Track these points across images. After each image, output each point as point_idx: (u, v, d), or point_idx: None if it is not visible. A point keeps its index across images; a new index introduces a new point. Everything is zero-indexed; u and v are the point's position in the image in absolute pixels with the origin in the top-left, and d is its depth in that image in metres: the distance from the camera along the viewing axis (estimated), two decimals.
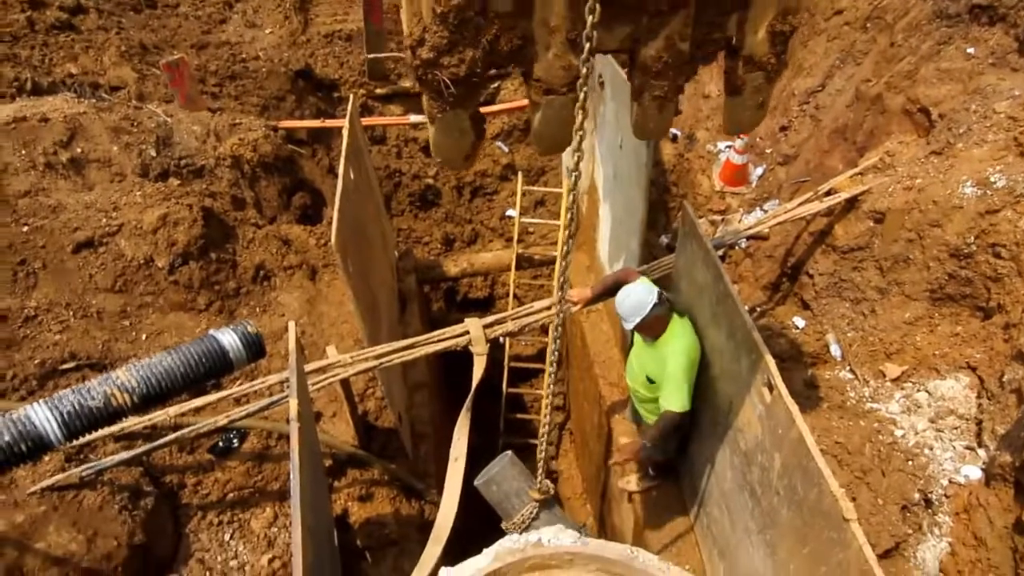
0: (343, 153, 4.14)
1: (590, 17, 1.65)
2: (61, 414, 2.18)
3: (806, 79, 5.75)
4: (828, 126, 5.39)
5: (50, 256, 4.05)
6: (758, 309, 5.08)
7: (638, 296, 3.35)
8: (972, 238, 3.80)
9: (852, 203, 4.48)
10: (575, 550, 1.46)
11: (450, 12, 1.85)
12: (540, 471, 2.83)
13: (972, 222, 3.82)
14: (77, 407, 2.20)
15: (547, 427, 2.53)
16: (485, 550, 1.61)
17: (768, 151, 6.02)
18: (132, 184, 4.58)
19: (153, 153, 4.92)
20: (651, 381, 3.62)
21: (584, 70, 1.79)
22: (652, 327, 3.44)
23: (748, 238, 5.48)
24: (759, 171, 5.94)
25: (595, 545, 1.51)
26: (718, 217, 5.79)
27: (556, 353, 2.26)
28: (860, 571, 2.23)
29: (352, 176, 4.23)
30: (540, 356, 7.06)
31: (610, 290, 3.71)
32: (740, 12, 2.13)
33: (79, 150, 4.66)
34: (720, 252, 5.59)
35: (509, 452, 3.36)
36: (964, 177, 3.93)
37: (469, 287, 7.83)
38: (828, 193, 4.53)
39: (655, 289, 3.40)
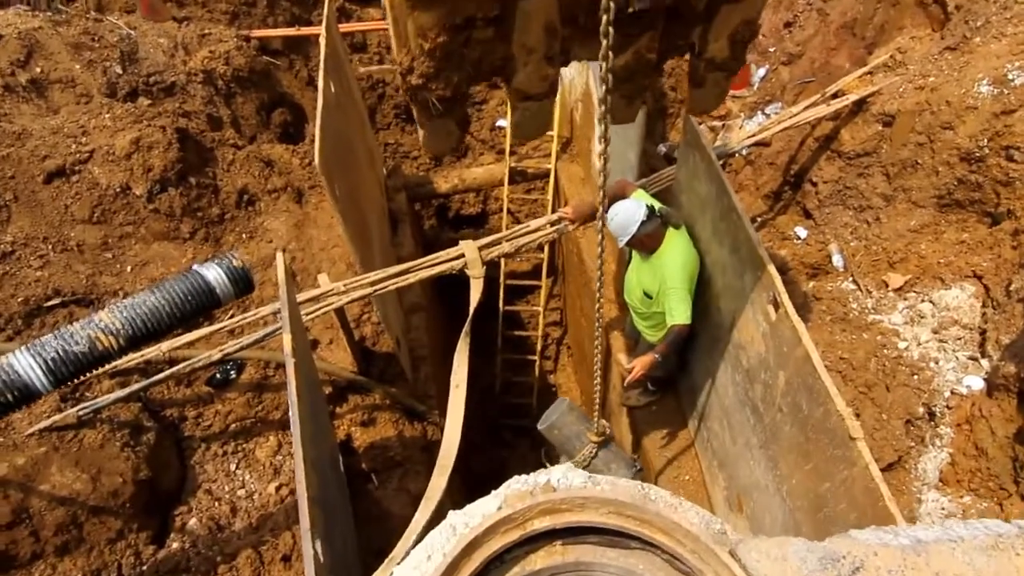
0: (321, 64, 3.86)
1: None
2: (45, 361, 2.09)
3: None
4: (836, 21, 5.07)
5: (20, 187, 3.84)
6: (759, 219, 4.96)
7: (626, 212, 3.26)
8: (985, 140, 3.65)
9: (860, 105, 4.28)
10: (587, 493, 1.41)
11: (436, 48, 2.04)
12: (596, 415, 3.06)
13: (986, 123, 3.65)
14: (61, 353, 2.12)
15: (599, 371, 2.58)
16: (494, 492, 1.57)
17: (771, 50, 5.71)
18: (99, 106, 4.30)
19: (119, 71, 4.61)
20: (648, 296, 3.57)
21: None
22: (645, 243, 3.36)
23: (749, 144, 5.28)
24: (761, 72, 5.65)
25: (607, 486, 1.46)
26: (718, 123, 5.55)
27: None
28: (865, 488, 2.24)
29: (333, 89, 3.97)
30: (535, 272, 6.99)
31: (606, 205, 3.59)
32: (704, 24, 2.29)
33: (38, 70, 4.35)
34: (721, 162, 5.40)
35: (566, 400, 3.66)
36: (980, 75, 3.72)
37: (461, 204, 7.63)
38: (835, 96, 4.31)
39: (644, 204, 3.31)
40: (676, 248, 3.37)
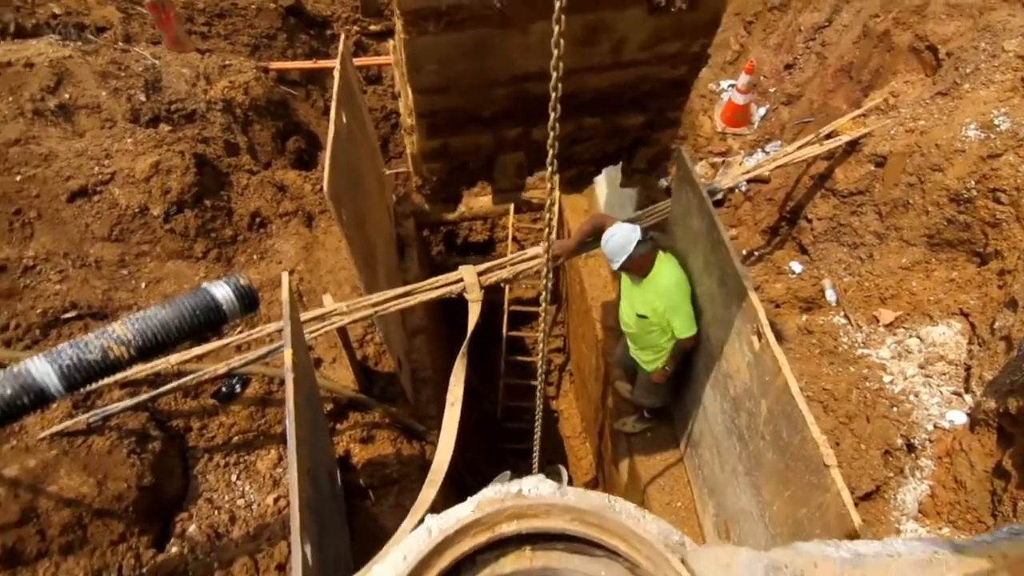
0: (335, 96, 4.06)
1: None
2: (60, 367, 2.23)
3: (813, 14, 5.55)
4: (833, 64, 5.23)
5: (45, 206, 4.05)
6: (756, 253, 5.07)
7: (622, 235, 3.41)
8: (973, 183, 3.75)
9: (853, 146, 4.41)
10: (552, 501, 1.52)
11: (441, 177, 3.66)
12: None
13: (974, 166, 3.76)
14: (75, 360, 2.25)
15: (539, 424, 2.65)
16: (469, 499, 1.67)
17: (772, 90, 5.87)
18: (123, 130, 4.52)
19: (143, 98, 4.84)
20: (642, 317, 3.68)
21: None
22: (639, 264, 3.50)
23: (748, 181, 5.42)
24: (762, 111, 5.81)
25: (573, 496, 1.57)
26: (719, 159, 5.70)
27: (547, 298, 2.31)
28: (837, 514, 2.31)
29: (344, 120, 4.16)
30: (539, 300, 7.10)
31: (589, 236, 3.77)
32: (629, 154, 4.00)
33: (67, 96, 4.59)
34: (719, 196, 5.53)
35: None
36: (968, 119, 3.84)
37: (469, 231, 7.81)
38: (829, 136, 4.45)
39: (637, 227, 3.46)
40: (667, 270, 3.51)
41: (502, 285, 4.94)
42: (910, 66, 4.56)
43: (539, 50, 2.88)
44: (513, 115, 3.46)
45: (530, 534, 1.60)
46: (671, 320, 3.52)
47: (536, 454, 2.95)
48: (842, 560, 1.38)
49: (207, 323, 2.54)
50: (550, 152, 1.75)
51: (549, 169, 1.92)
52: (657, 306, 3.51)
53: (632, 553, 1.49)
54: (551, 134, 1.77)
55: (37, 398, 2.22)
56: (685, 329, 3.51)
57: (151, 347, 2.42)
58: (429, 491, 2.53)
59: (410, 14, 2.70)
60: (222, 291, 2.56)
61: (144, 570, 3.21)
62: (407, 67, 3.03)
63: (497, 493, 1.67)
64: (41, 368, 2.22)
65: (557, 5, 1.39)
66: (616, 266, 3.47)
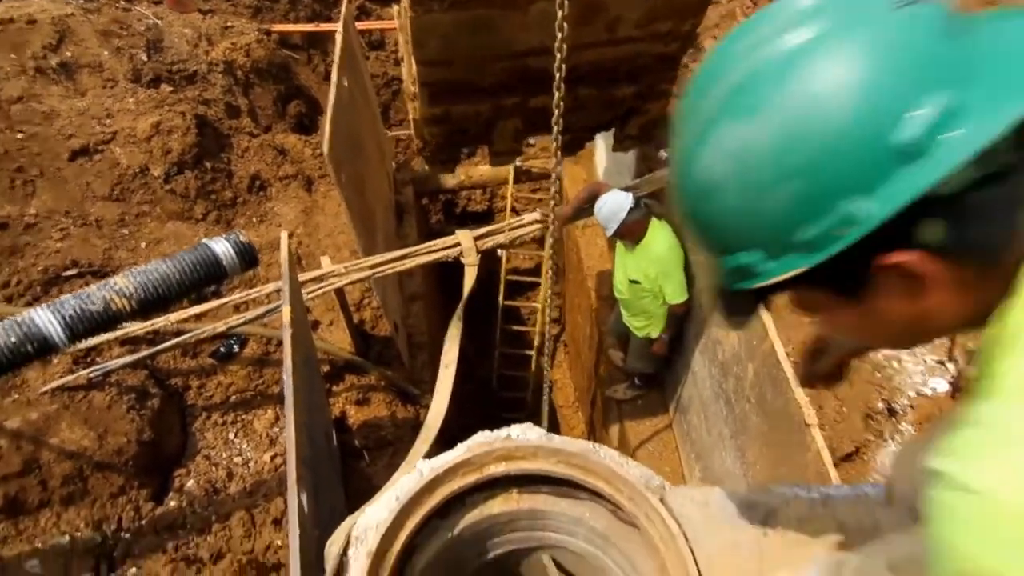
0: (336, 60, 4.06)
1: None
2: (63, 317, 2.28)
3: None
4: None
5: (46, 164, 4.07)
6: None
7: (615, 202, 3.46)
8: None
9: None
10: (539, 443, 1.58)
11: (441, 140, 3.81)
12: None
13: None
14: (78, 311, 2.31)
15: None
16: (459, 444, 1.74)
17: None
18: (124, 90, 4.52)
19: (144, 58, 4.83)
20: (634, 283, 3.74)
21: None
22: (632, 231, 3.55)
23: None
24: None
25: (559, 441, 1.63)
26: None
27: (552, 256, 2.39)
28: (817, 473, 2.39)
29: (346, 84, 4.16)
30: (536, 270, 7.16)
31: (586, 203, 3.82)
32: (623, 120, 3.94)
33: (69, 54, 4.58)
34: None
35: None
36: None
37: (468, 200, 7.82)
38: None
39: (630, 194, 3.51)
40: (660, 236, 3.56)
41: (499, 254, 4.97)
42: None
43: (537, 28, 3.08)
44: (511, 86, 3.66)
45: (517, 476, 1.66)
46: (663, 286, 3.58)
47: (545, 412, 3.07)
48: (812, 500, 1.45)
49: (207, 278, 2.58)
50: (555, 129, 1.87)
51: (554, 144, 2.02)
52: (649, 272, 3.57)
53: (614, 494, 1.56)
54: (556, 112, 1.88)
55: (41, 347, 2.28)
56: (677, 295, 3.57)
57: (152, 300, 2.46)
58: (422, 445, 2.60)
59: None
60: (222, 247, 2.60)
61: (143, 522, 3.30)
62: (412, 42, 3.17)
63: (486, 438, 1.73)
64: (44, 318, 2.27)
65: None
66: (610, 233, 3.53)
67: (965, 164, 0.60)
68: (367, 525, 1.70)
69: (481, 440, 1.72)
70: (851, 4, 0.66)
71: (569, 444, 1.65)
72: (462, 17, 3.00)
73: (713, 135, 0.71)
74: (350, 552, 1.68)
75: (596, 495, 1.65)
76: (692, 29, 3.45)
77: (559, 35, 1.63)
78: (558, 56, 1.66)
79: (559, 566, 1.87)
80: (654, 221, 3.59)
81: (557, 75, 1.72)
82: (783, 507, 1.44)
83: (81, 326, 2.31)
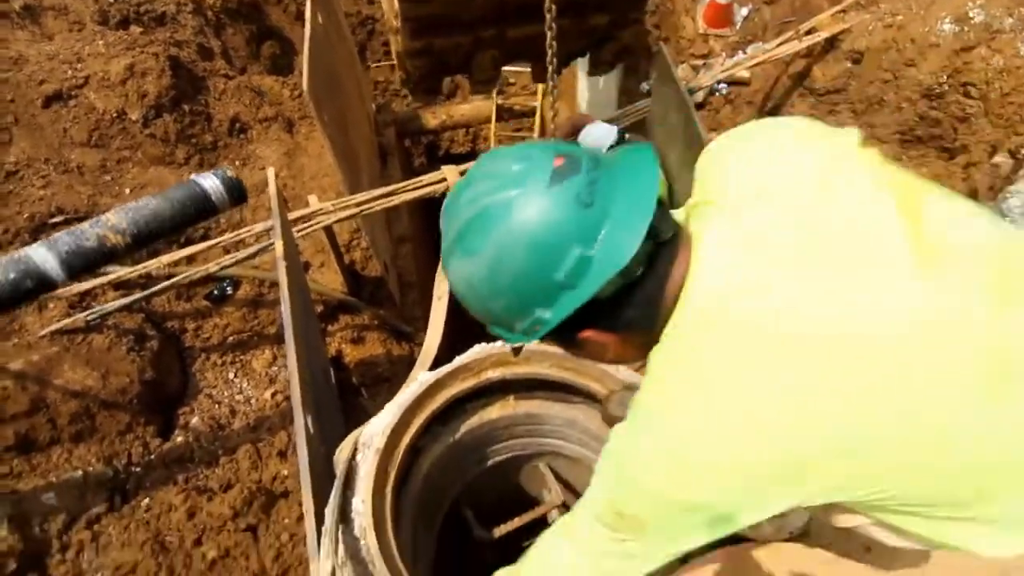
0: None
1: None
2: (59, 253, 2.32)
3: None
4: None
5: (21, 111, 4.00)
6: None
7: (599, 133, 3.47)
8: (945, 77, 3.82)
9: (832, 43, 4.43)
10: (533, 348, 1.67)
11: (423, 72, 3.97)
12: None
13: (947, 60, 3.82)
14: (74, 247, 2.34)
15: None
16: (458, 356, 1.83)
17: None
18: (93, 33, 4.41)
19: None
20: None
21: None
22: None
23: (729, 84, 5.43)
24: (744, 12, 5.74)
25: (552, 348, 1.72)
26: (699, 62, 5.67)
27: None
28: None
29: (320, 21, 4.09)
30: None
31: (569, 135, 3.84)
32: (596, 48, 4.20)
33: None
34: (700, 99, 5.55)
35: None
36: (944, 13, 3.87)
37: (451, 142, 7.77)
38: (808, 32, 4.45)
39: (614, 127, 3.54)
40: None
41: None
42: None
43: None
44: (489, 19, 3.84)
45: (513, 381, 1.76)
46: None
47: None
48: None
49: (197, 213, 2.62)
50: (549, 68, 2.04)
51: (549, 83, 2.11)
52: None
53: (604, 392, 1.66)
54: (549, 52, 1.99)
55: (40, 283, 2.32)
56: None
57: (144, 236, 2.50)
58: (419, 370, 2.70)
59: None
60: (210, 182, 2.62)
61: (152, 457, 3.41)
62: None
63: (483, 348, 1.82)
64: (41, 254, 2.30)
65: None
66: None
67: (607, 283, 0.94)
68: (373, 432, 1.80)
69: (477, 350, 1.81)
70: (530, 176, 0.96)
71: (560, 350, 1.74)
72: None
73: (451, 264, 1.04)
74: (358, 457, 1.78)
75: (589, 397, 1.76)
76: None
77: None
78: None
79: (556, 475, 1.99)
80: None
81: (552, 8, 1.94)
82: None
83: (77, 262, 2.35)
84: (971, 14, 3.75)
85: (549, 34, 1.91)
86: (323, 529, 1.71)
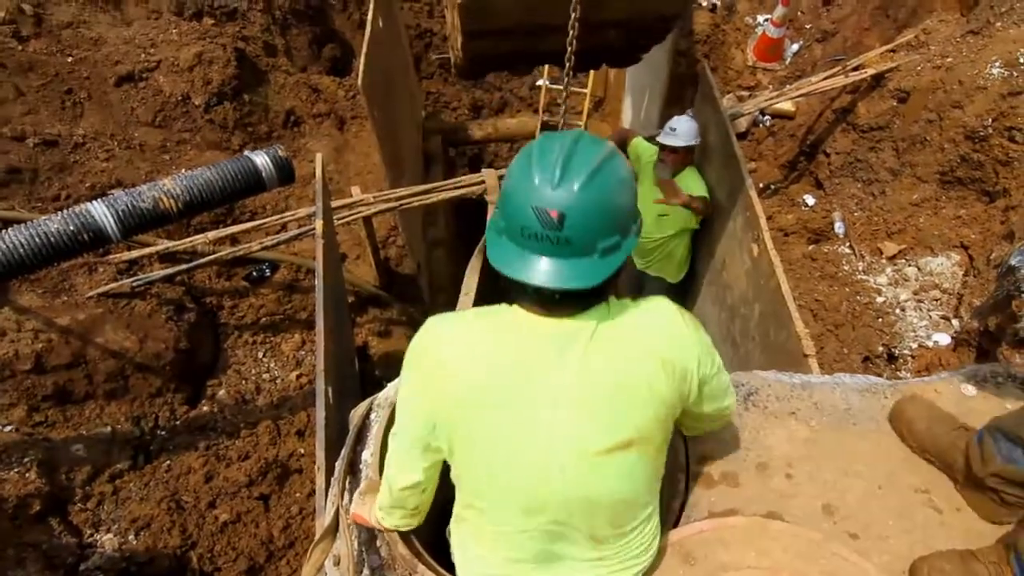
0: (372, 1, 4.18)
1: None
2: (116, 211, 2.47)
3: None
4: (872, 1, 5.19)
5: (94, 87, 4.26)
6: (772, 186, 5.16)
7: (692, 124, 3.66)
8: (990, 120, 3.80)
9: (879, 81, 4.44)
10: None
11: (476, 59, 3.42)
12: None
13: (993, 104, 3.80)
14: (130, 207, 2.50)
15: None
16: None
17: (808, 27, 5.83)
18: (168, 22, 4.69)
19: None
20: (662, 216, 3.86)
21: None
22: (689, 155, 3.79)
23: (773, 116, 5.46)
24: (795, 47, 5.79)
25: None
26: (746, 93, 5.72)
27: None
28: None
29: (381, 25, 4.28)
30: None
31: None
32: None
33: None
34: (744, 128, 5.59)
35: None
36: (994, 57, 3.86)
37: (495, 156, 7.92)
38: (856, 69, 4.47)
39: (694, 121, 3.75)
40: (694, 172, 3.75)
41: None
42: (947, 4, 4.52)
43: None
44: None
45: None
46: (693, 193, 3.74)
47: None
48: (793, 384, 1.59)
49: (246, 187, 2.76)
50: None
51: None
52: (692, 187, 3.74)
53: None
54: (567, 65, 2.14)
55: (96, 237, 2.48)
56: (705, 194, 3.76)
57: (196, 203, 2.65)
58: None
59: None
60: (262, 159, 2.77)
61: (178, 422, 3.54)
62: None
63: None
64: (100, 210, 2.46)
65: None
66: (690, 141, 3.69)
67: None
68: (387, 395, 1.87)
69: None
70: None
71: None
72: None
73: (594, 182, 1.20)
74: (371, 416, 1.86)
75: None
76: None
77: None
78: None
79: None
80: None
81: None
82: (765, 388, 1.58)
83: (132, 221, 2.50)
84: (1021, 59, 3.74)
85: (569, 48, 2.11)
86: (331, 480, 1.79)
